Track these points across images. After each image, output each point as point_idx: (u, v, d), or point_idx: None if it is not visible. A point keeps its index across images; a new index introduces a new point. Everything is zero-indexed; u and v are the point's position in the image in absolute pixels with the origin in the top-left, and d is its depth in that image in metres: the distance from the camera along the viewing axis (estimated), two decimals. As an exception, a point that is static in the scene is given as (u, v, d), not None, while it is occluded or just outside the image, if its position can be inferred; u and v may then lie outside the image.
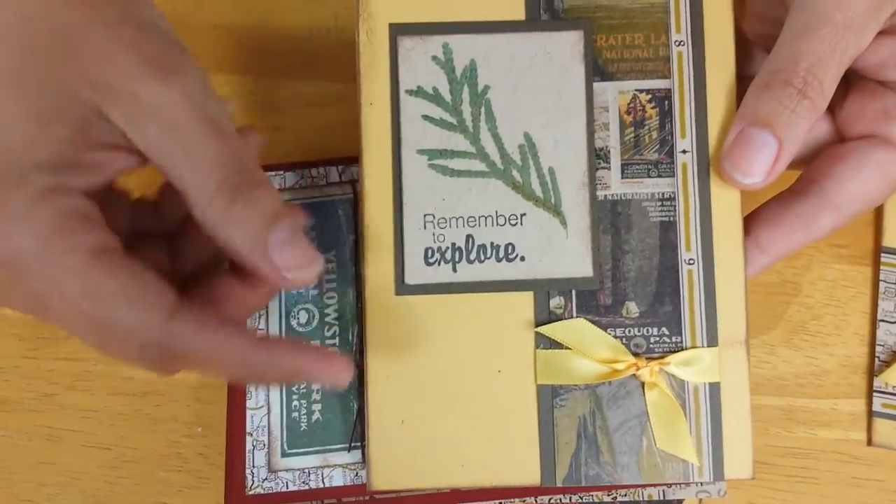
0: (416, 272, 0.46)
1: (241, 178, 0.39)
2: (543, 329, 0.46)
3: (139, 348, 0.38)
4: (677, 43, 0.47)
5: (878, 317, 0.56)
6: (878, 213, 0.57)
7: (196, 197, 0.39)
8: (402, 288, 0.46)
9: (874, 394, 0.55)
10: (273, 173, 0.54)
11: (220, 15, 0.60)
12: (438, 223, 0.46)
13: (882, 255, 0.56)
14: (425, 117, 0.47)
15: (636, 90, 0.47)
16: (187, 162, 0.38)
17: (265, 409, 0.51)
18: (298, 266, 0.39)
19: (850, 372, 0.56)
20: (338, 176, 0.54)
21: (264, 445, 0.51)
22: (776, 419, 0.55)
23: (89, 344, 0.39)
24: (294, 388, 0.51)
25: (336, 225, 0.53)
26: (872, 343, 0.56)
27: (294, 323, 0.52)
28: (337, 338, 0.52)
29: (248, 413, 0.51)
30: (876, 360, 0.55)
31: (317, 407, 0.51)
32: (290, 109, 0.60)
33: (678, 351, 0.46)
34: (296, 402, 0.51)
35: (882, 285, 0.56)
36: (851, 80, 0.47)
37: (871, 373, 0.55)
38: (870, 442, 0.55)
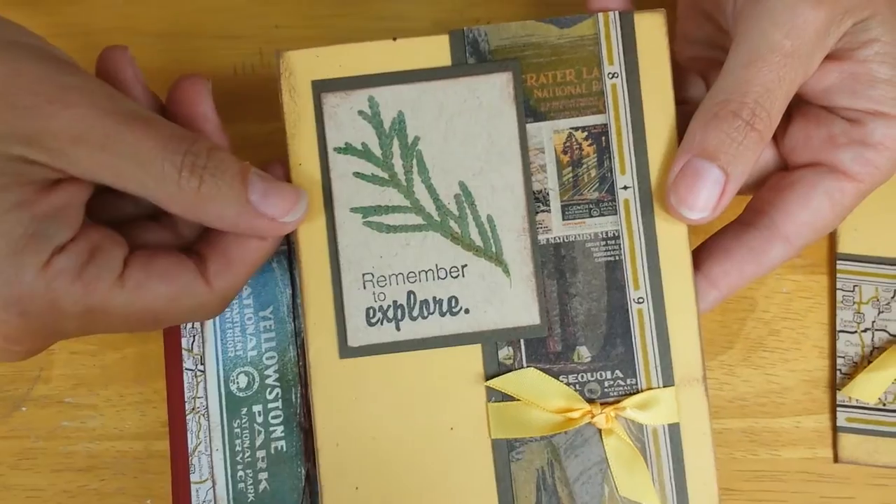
0: (359, 334, 0.45)
1: (193, 155, 0.39)
2: (493, 382, 0.44)
3: None
4: (611, 76, 0.45)
5: (838, 327, 0.54)
6: (832, 219, 0.55)
7: (159, 192, 0.39)
8: (345, 351, 0.45)
9: (838, 408, 0.54)
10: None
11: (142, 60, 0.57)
12: (378, 281, 0.45)
13: (838, 262, 0.55)
14: (356, 174, 0.45)
15: (571, 128, 0.45)
16: (132, 166, 0.38)
17: (210, 483, 0.49)
18: (288, 210, 0.41)
19: (812, 387, 0.54)
20: (272, 226, 0.52)
21: (212, 520, 0.49)
22: (739, 442, 0.54)
23: None
24: (238, 458, 0.49)
25: (271, 280, 0.51)
26: (833, 355, 0.55)
27: (234, 388, 0.50)
28: (280, 400, 0.50)
29: (193, 488, 0.49)
30: (837, 372, 0.54)
31: (263, 476, 0.49)
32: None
33: (634, 394, 0.45)
34: (241, 473, 0.49)
35: (839, 294, 0.55)
36: (794, 106, 0.46)
37: (834, 387, 0.54)
38: (836, 458, 0.54)
